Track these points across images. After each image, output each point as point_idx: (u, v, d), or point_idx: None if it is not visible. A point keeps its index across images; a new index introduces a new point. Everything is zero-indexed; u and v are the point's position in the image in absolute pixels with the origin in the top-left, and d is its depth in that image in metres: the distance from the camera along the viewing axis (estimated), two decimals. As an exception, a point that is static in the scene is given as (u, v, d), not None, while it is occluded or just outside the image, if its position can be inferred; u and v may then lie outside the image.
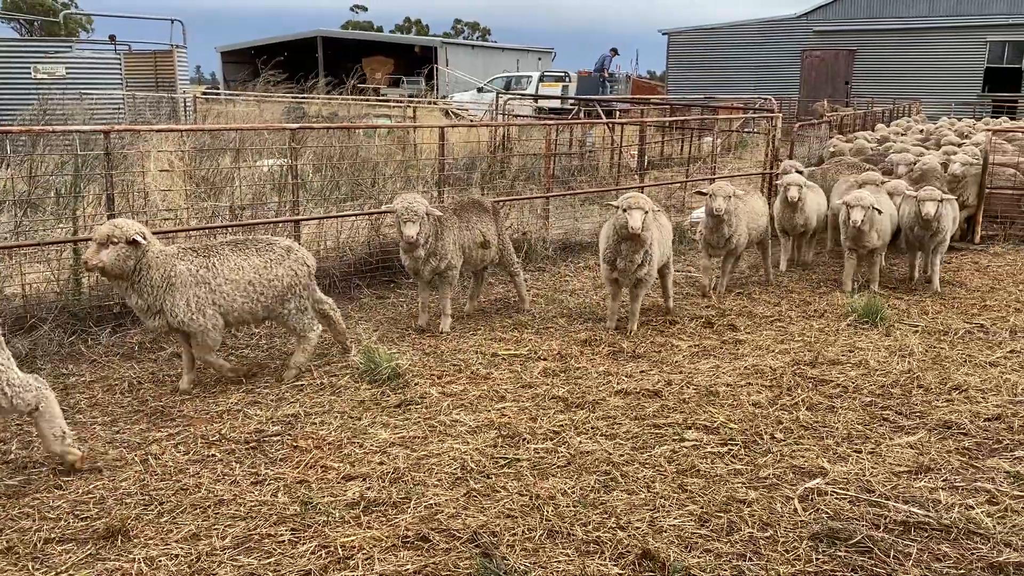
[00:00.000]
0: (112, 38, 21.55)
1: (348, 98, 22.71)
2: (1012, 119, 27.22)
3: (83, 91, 19.12)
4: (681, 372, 6.64)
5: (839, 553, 4.11)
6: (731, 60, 39.85)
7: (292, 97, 22.39)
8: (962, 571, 3.98)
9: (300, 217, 7.99)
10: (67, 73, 19.99)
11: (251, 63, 36.67)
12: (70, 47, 21.65)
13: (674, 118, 18.43)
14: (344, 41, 51.83)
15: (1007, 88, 35.16)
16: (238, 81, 39.92)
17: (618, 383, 6.37)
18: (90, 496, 4.60)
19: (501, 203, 10.34)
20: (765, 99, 19.65)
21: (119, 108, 19.43)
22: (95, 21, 57.98)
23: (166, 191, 8.12)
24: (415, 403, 5.99)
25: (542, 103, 29.66)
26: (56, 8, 45.61)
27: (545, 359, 6.95)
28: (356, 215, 8.81)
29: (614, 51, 33.07)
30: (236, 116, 19.54)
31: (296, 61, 39.11)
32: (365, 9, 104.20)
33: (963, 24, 35.55)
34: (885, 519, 4.42)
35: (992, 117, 28.35)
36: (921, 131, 17.45)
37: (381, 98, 33.50)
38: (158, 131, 8.20)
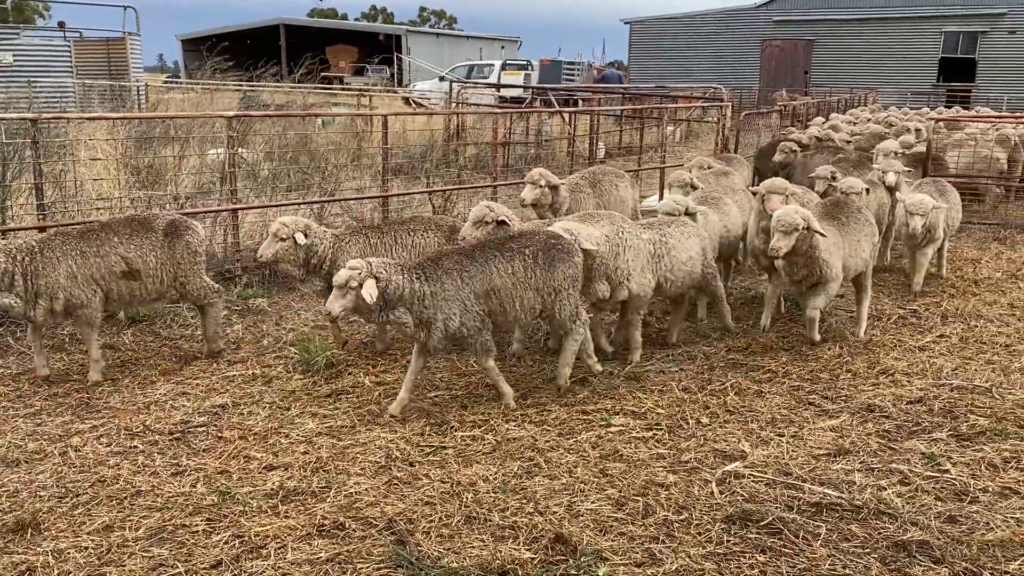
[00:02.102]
0: (61, 25, 21.12)
1: (304, 86, 22.48)
2: (965, 109, 27.65)
3: (31, 79, 18.73)
4: (615, 359, 6.68)
5: (750, 535, 4.17)
6: (692, 49, 40.07)
7: (249, 86, 22.11)
8: (867, 550, 4.06)
9: (238, 206, 7.90)
10: (15, 61, 19.57)
11: (212, 51, 36.29)
12: (17, 34, 21.19)
13: (625, 107, 18.48)
14: (307, 29, 51.36)
15: (961, 78, 35.75)
16: (201, 68, 39.39)
17: (551, 370, 6.40)
18: (3, 489, 4.54)
19: (448, 192, 10.32)
20: (716, 88, 19.75)
21: (66, 96, 19.04)
22: (52, 8, 56.84)
23: (100, 180, 7.99)
24: (347, 392, 5.97)
25: (504, 91, 29.62)
26: (5, -8, 44.52)
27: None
28: (297, 204, 8.74)
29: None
30: (187, 105, 19.26)
31: (259, 49, 38.66)
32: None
33: (919, 15, 36.07)
34: (799, 501, 4.50)
35: (946, 107, 28.81)
36: (868, 119, 17.68)
37: (341, 87, 33.22)
38: (89, 119, 8.07)
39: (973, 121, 14.04)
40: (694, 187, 8.50)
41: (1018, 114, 20.98)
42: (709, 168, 10.32)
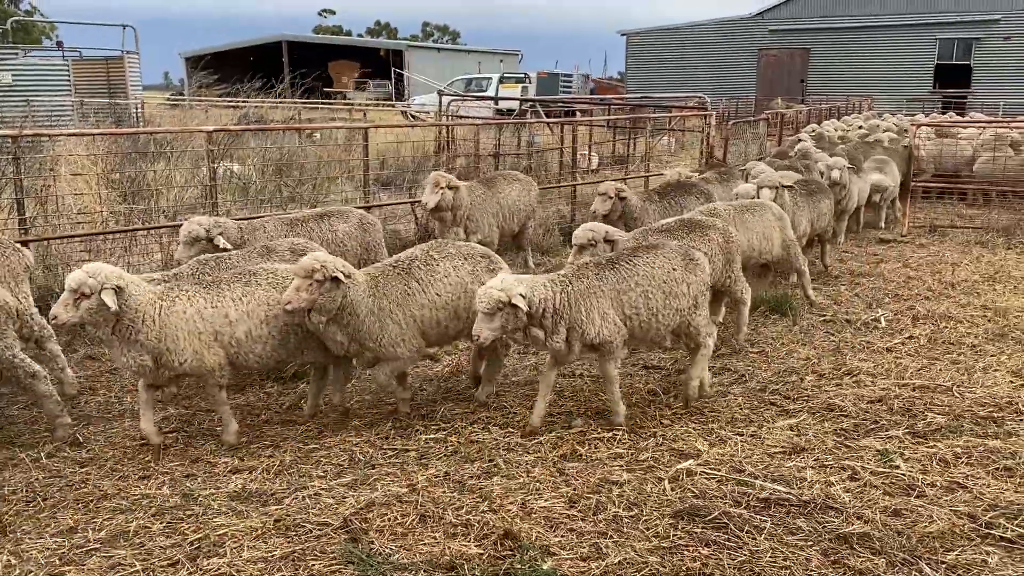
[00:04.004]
0: (60, 44, 21.42)
1: (299, 101, 22.76)
2: (960, 114, 27.75)
3: (30, 98, 19.01)
4: (583, 363, 6.78)
5: (696, 529, 4.27)
6: (689, 60, 40.30)
7: (242, 101, 22.38)
8: (810, 542, 4.15)
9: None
10: (13, 80, 19.88)
11: (215, 68, 36.71)
12: (17, 54, 21.51)
13: (607, 117, 18.67)
14: (310, 45, 51.90)
15: (957, 84, 35.87)
16: (204, 85, 39.89)
17: (519, 375, 6.52)
18: (-27, 494, 4.66)
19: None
20: (700, 97, 19.89)
21: (64, 115, 19.31)
22: (59, 28, 57.52)
23: (81, 195, 8.17)
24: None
25: (502, 104, 29.86)
26: (7, 12, 45.16)
27: (455, 353, 7.07)
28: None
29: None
30: (178, 121, 19.52)
31: (262, 66, 39.11)
32: (333, 13, 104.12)
33: (914, 22, 36.22)
34: (748, 497, 4.59)
35: (941, 113, 28.93)
36: (860, 127, 17.82)
37: (343, 102, 33.54)
38: (68, 135, 8.23)
39: (956, 126, 14.16)
40: (215, 244, 6.47)
41: (1003, 119, 21.05)
42: (450, 188, 8.44)
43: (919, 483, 4.73)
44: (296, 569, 3.95)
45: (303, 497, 4.62)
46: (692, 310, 5.68)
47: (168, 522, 4.37)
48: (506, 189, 9.46)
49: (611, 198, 8.33)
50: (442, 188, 8.48)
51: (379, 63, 48.59)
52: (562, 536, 4.22)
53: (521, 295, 4.93)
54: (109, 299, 4.65)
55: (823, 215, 9.34)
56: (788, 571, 3.91)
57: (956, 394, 6.05)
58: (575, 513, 4.44)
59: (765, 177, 8.72)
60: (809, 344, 7.27)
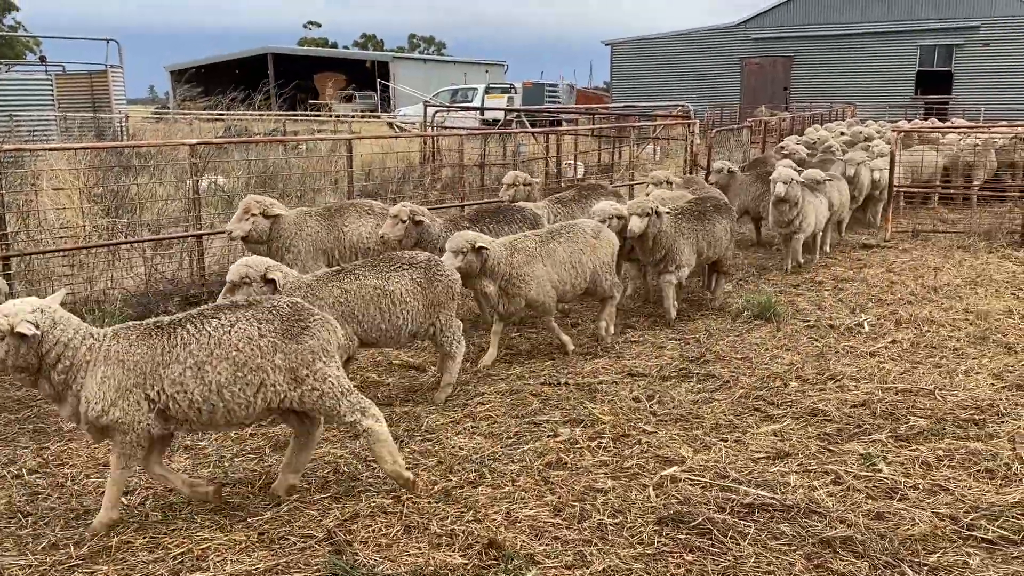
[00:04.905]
0: (43, 59, 21.36)
1: (284, 114, 22.77)
2: (942, 120, 28.01)
3: (12, 113, 18.95)
4: (570, 369, 6.80)
5: (680, 536, 4.28)
6: (673, 69, 40.56)
7: (225, 112, 22.38)
8: (794, 547, 4.17)
9: (202, 232, 8.04)
10: (-4, 96, 19.83)
11: (201, 81, 36.69)
12: (0, 69, 21.45)
13: (592, 127, 18.76)
14: (295, 58, 52.05)
15: (938, 90, 36.25)
16: (188, 99, 39.83)
17: (504, 383, 6.52)
18: (-47, 512, 4.62)
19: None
20: (683, 106, 20.03)
21: (48, 129, 19.25)
22: (44, 43, 57.47)
23: (64, 209, 8.15)
24: (302, 410, 6.07)
25: (488, 114, 29.95)
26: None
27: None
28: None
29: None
30: (166, 135, 19.50)
31: (248, 79, 39.15)
32: (319, 25, 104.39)
33: (895, 29, 36.61)
34: (732, 502, 4.60)
35: (923, 119, 29.20)
36: (843, 133, 17.97)
37: (328, 114, 33.58)
38: (50, 150, 8.22)
39: (936, 131, 14.32)
40: None
41: (976, 124, 21.30)
42: (265, 216, 7.13)
43: (902, 486, 4.76)
44: (280, 582, 3.94)
45: (287, 509, 4.60)
46: (292, 387, 4.43)
47: (151, 537, 4.35)
48: (354, 223, 7.66)
49: (403, 222, 7.01)
50: (254, 215, 7.07)
51: (365, 75, 48.74)
52: (546, 544, 4.22)
53: (30, 323, 3.95)
54: None
55: (717, 240, 8.36)
56: (772, 576, 3.93)
57: (938, 397, 6.09)
58: (560, 521, 4.44)
59: (635, 203, 7.85)
60: (793, 349, 7.30)
